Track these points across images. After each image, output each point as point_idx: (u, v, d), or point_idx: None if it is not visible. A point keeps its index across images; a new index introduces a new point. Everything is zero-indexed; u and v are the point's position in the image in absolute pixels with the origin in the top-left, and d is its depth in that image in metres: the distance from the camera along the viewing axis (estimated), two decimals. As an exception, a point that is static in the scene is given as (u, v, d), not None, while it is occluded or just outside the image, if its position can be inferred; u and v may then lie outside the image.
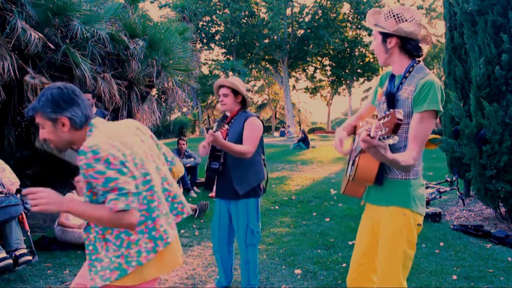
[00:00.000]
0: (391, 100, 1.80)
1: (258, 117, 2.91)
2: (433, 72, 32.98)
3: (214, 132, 2.59)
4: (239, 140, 2.77)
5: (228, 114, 2.95)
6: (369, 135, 1.42)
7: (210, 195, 6.57)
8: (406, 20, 1.76)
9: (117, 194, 1.43)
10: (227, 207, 2.94)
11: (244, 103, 2.91)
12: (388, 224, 1.80)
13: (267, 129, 41.25)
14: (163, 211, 1.63)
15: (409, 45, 1.79)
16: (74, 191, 4.28)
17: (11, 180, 3.86)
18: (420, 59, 1.84)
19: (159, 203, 1.61)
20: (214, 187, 2.95)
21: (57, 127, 1.56)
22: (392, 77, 1.91)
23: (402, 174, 1.79)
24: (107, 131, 1.55)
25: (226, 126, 2.85)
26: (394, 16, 1.77)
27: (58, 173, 6.18)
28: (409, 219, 1.78)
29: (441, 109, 1.70)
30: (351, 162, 1.95)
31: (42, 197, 1.44)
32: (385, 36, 1.80)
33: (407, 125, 1.76)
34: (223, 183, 2.86)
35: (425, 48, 1.83)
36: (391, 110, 1.36)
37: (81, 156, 1.44)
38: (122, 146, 1.51)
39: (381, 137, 1.37)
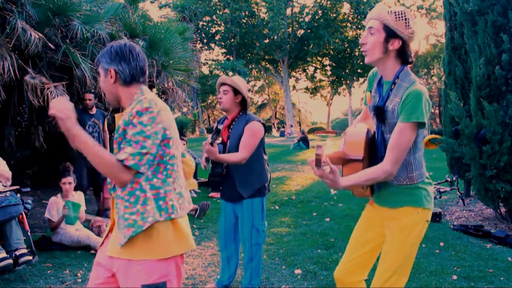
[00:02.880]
0: (380, 113, 1.80)
1: (260, 121, 2.87)
2: (433, 72, 32.84)
3: (211, 143, 2.56)
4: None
5: (227, 116, 2.93)
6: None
7: (210, 195, 6.60)
8: (411, 27, 1.74)
9: (136, 151, 1.49)
10: (232, 208, 2.95)
11: (244, 104, 2.87)
12: (402, 222, 1.82)
13: (267, 129, 41.19)
14: (177, 189, 1.65)
15: (407, 51, 1.77)
16: (59, 194, 4.22)
17: (5, 170, 3.83)
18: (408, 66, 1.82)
19: (174, 182, 1.63)
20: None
21: (107, 77, 1.65)
22: (380, 81, 1.88)
23: (407, 181, 1.81)
24: (161, 101, 1.62)
25: (220, 139, 2.83)
26: (405, 19, 1.72)
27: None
28: (421, 216, 1.83)
29: (424, 120, 1.67)
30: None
31: (60, 105, 1.51)
32: (391, 36, 1.73)
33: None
34: (228, 186, 2.87)
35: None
36: (318, 145, 1.55)
37: (137, 104, 1.54)
38: (168, 119, 1.59)
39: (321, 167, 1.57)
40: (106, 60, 1.64)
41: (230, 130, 2.87)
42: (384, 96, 1.81)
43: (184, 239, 1.64)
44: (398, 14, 1.72)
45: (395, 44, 1.74)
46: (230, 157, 2.71)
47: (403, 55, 1.78)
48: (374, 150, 1.85)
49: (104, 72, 1.65)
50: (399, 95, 1.74)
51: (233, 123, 2.87)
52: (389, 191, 1.85)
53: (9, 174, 3.86)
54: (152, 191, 1.57)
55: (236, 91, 2.82)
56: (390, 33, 1.73)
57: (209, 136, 2.56)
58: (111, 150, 1.96)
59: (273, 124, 31.70)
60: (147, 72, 1.72)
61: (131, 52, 1.64)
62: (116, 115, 1.75)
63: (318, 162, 1.54)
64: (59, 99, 1.56)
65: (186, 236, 1.65)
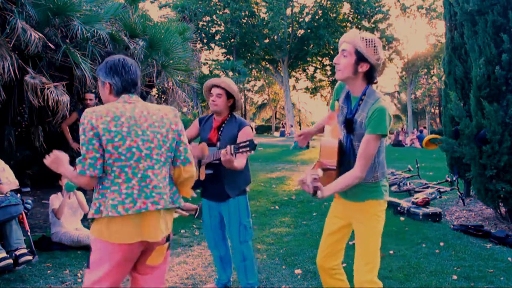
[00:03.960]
0: (350, 125, 2.07)
1: (249, 125, 2.91)
2: (433, 72, 32.80)
3: (234, 153, 2.52)
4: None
5: (216, 117, 2.90)
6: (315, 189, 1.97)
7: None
8: (378, 54, 1.98)
9: (80, 159, 1.78)
10: (217, 208, 2.94)
11: (233, 107, 2.87)
12: (368, 213, 2.12)
13: (267, 129, 41.24)
14: (124, 190, 1.80)
15: (373, 74, 2.03)
16: (59, 193, 4.24)
17: (10, 180, 3.86)
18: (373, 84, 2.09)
19: (123, 182, 1.80)
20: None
21: (104, 88, 1.93)
22: (348, 95, 2.12)
23: (372, 180, 2.10)
24: (113, 106, 1.84)
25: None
26: (374, 46, 1.96)
27: (58, 173, 6.17)
28: (382, 207, 2.15)
29: (387, 132, 1.97)
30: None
31: (54, 157, 1.90)
32: (361, 59, 1.97)
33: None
34: (215, 187, 2.85)
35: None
36: (314, 177, 1.93)
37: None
38: (111, 121, 1.78)
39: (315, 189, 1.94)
40: (102, 74, 1.91)
41: (220, 132, 2.85)
42: (352, 110, 2.07)
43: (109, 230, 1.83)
44: (369, 42, 1.96)
45: (363, 67, 1.99)
46: (238, 163, 2.65)
47: (369, 76, 2.03)
48: (344, 156, 2.13)
49: (101, 84, 1.93)
50: (366, 110, 2.01)
51: (223, 125, 2.86)
52: (355, 188, 2.08)
53: (16, 183, 3.89)
54: (102, 190, 1.82)
55: (229, 95, 2.82)
56: (360, 57, 1.97)
57: (231, 146, 2.49)
58: None
59: (283, 124, 31.56)
60: (139, 83, 1.94)
61: (124, 67, 1.89)
62: None
63: (315, 192, 1.95)
64: (55, 155, 1.92)
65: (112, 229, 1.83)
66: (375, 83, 2.07)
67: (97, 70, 1.96)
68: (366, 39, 1.96)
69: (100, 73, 1.92)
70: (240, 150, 2.46)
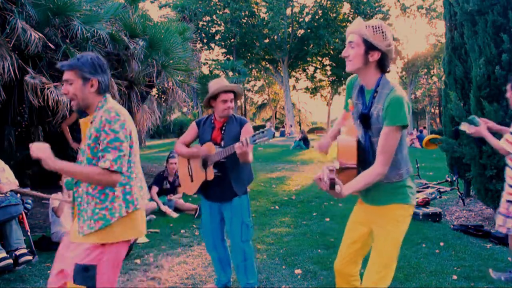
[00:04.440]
0: (366, 120, 1.93)
1: (247, 121, 2.97)
2: (433, 72, 32.69)
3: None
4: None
5: (219, 118, 2.91)
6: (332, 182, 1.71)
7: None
8: (388, 40, 1.85)
9: (116, 156, 1.74)
10: (219, 208, 2.94)
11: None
12: (389, 218, 1.96)
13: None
14: (138, 184, 1.92)
15: (386, 62, 1.89)
16: (60, 192, 4.25)
17: (10, 180, 3.86)
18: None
19: (136, 177, 1.90)
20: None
21: (86, 86, 1.83)
22: (361, 90, 2.00)
23: (396, 178, 1.94)
24: (121, 107, 1.87)
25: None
26: (382, 32, 1.84)
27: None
28: (408, 212, 1.98)
29: (407, 123, 1.82)
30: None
31: (40, 148, 1.75)
32: (370, 48, 1.85)
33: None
34: (220, 187, 2.85)
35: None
36: (330, 169, 1.68)
37: (104, 113, 1.77)
38: (130, 120, 1.85)
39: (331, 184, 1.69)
40: (89, 71, 1.82)
41: (223, 132, 2.87)
42: (368, 104, 1.94)
43: (134, 227, 1.87)
44: (375, 28, 1.84)
45: (374, 56, 1.87)
46: (250, 156, 2.68)
47: (382, 65, 1.90)
48: (363, 154, 1.99)
49: (82, 82, 1.82)
50: (381, 102, 1.87)
51: (225, 124, 2.89)
52: (378, 189, 1.95)
53: (16, 183, 3.90)
54: (120, 187, 1.82)
55: (235, 97, 2.89)
56: (369, 46, 1.86)
57: (247, 138, 2.48)
58: None
59: (285, 124, 31.59)
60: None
61: (106, 66, 1.89)
62: (82, 121, 1.91)
63: (333, 186, 1.67)
64: (35, 144, 1.78)
65: (137, 224, 1.89)
66: (388, 71, 1.93)
67: (72, 63, 1.83)
68: (372, 26, 1.84)
69: (85, 69, 1.81)
70: (257, 141, 2.47)
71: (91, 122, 1.83)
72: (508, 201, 3.34)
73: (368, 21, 1.89)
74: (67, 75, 1.82)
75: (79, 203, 1.84)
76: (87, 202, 1.81)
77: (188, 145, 3.00)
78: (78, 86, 1.82)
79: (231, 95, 2.84)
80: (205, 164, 2.84)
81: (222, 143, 2.82)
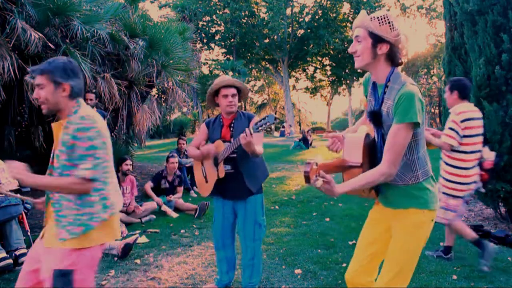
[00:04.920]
0: (376, 117, 1.83)
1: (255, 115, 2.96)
2: (433, 72, 32.58)
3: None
4: None
5: (226, 116, 2.92)
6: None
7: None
8: (396, 29, 1.74)
9: (92, 165, 1.76)
10: (232, 207, 2.95)
11: (239, 101, 2.94)
12: (407, 222, 1.84)
13: (267, 129, 41.16)
14: (114, 189, 1.92)
15: (396, 53, 1.78)
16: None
17: (10, 180, 3.86)
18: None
19: (111, 182, 1.91)
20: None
21: (57, 90, 1.81)
22: (374, 86, 1.90)
23: (412, 180, 1.82)
24: (95, 113, 1.86)
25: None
26: (389, 22, 1.73)
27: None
28: (427, 217, 1.84)
29: (418, 120, 1.69)
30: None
31: (15, 167, 1.76)
32: (378, 41, 1.75)
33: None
34: (234, 185, 2.84)
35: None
36: (306, 162, 1.57)
37: (80, 120, 1.76)
38: (104, 127, 1.85)
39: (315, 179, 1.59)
40: (61, 75, 1.80)
41: (231, 129, 2.87)
42: (379, 100, 1.83)
43: (111, 231, 1.90)
44: (381, 19, 1.74)
45: (383, 49, 1.76)
46: (258, 148, 2.69)
47: (392, 58, 1.79)
48: (375, 153, 1.87)
49: (54, 86, 1.81)
50: (392, 97, 1.76)
51: (233, 121, 2.89)
52: (395, 192, 1.85)
53: (16, 183, 3.89)
54: (97, 193, 1.83)
55: (239, 93, 2.88)
56: (376, 39, 1.75)
57: (249, 127, 2.51)
58: None
59: (284, 124, 31.66)
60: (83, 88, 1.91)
61: (78, 70, 1.87)
62: (54, 124, 1.88)
63: (307, 179, 1.57)
64: (11, 165, 1.79)
65: (114, 229, 1.92)
66: (401, 63, 1.81)
67: (43, 68, 1.82)
68: (378, 17, 1.74)
69: (56, 74, 1.80)
70: (260, 128, 2.47)
71: (65, 128, 1.80)
72: (444, 193, 3.42)
73: (372, 13, 1.79)
74: (38, 80, 1.81)
75: (57, 209, 1.83)
76: (67, 208, 1.80)
77: (198, 147, 3.01)
78: (49, 90, 1.81)
79: (232, 90, 2.83)
80: (216, 162, 2.85)
81: (232, 140, 2.82)
